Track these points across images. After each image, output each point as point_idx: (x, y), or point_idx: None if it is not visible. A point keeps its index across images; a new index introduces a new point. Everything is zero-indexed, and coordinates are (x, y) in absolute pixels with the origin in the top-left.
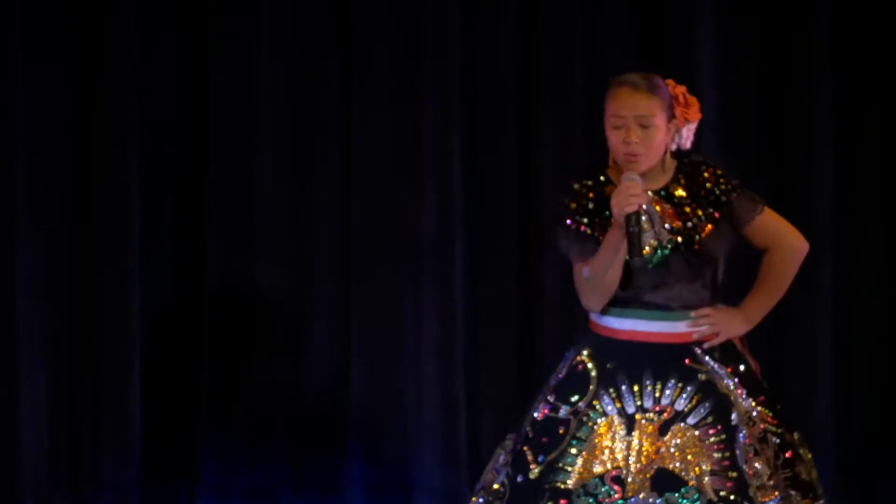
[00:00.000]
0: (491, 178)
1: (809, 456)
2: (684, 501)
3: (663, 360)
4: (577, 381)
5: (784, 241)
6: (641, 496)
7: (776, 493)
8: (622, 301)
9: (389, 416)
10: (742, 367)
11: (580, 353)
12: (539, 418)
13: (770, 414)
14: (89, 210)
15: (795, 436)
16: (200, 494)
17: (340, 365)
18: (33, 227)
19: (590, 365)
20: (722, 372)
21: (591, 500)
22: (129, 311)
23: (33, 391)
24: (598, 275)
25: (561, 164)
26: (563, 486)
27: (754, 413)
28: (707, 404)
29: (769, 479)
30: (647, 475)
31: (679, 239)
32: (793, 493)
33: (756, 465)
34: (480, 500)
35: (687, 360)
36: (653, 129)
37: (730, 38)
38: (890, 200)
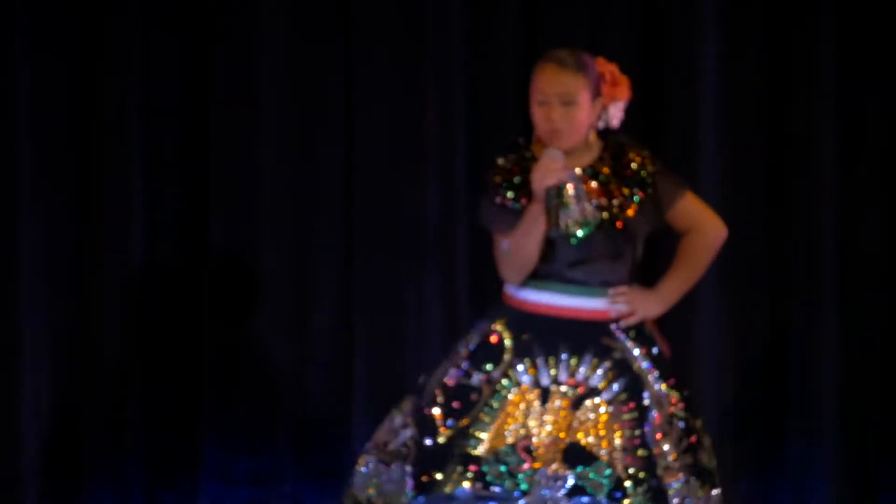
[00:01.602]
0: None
1: (710, 443)
2: (595, 476)
3: (580, 336)
4: (492, 350)
5: (704, 225)
6: (552, 468)
7: (680, 474)
8: (541, 275)
9: (392, 401)
10: (654, 350)
11: (495, 324)
12: (450, 384)
13: (678, 398)
14: (90, 196)
15: (699, 422)
16: (203, 480)
17: (343, 351)
18: (35, 212)
19: (505, 335)
20: (636, 352)
21: (501, 468)
22: (131, 298)
23: (35, 377)
24: (518, 248)
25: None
26: (473, 452)
27: (663, 395)
28: (621, 382)
29: (674, 460)
30: (559, 448)
31: (604, 216)
32: (692, 479)
33: (664, 446)
34: (371, 458)
35: (604, 338)
36: (576, 107)
37: (731, 35)
38: (890, 195)
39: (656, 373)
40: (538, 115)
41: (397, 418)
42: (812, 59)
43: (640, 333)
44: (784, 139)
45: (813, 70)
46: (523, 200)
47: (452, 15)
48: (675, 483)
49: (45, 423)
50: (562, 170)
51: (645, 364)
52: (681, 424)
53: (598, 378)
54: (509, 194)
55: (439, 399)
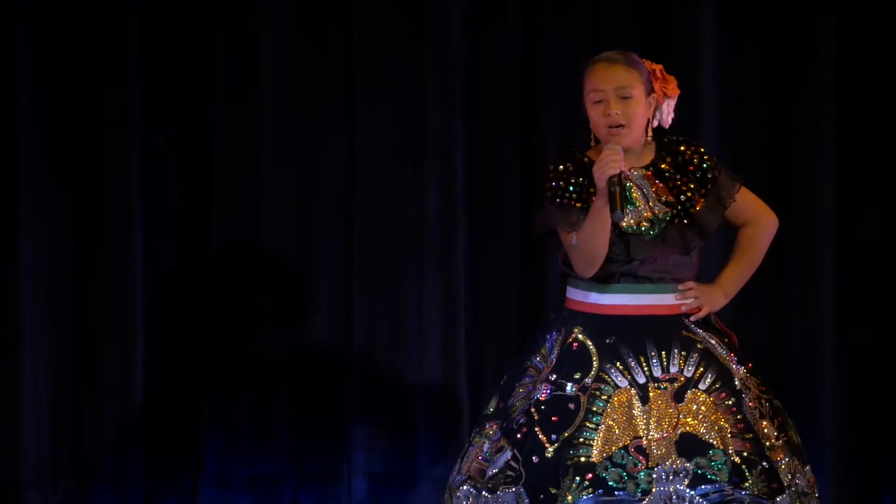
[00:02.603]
0: (493, 167)
1: (791, 421)
2: (714, 464)
3: (661, 332)
4: (577, 358)
5: (761, 217)
6: (668, 463)
7: (783, 452)
8: (611, 276)
9: (392, 406)
10: (725, 339)
11: (571, 333)
12: (543, 399)
13: (758, 380)
14: (90, 195)
15: (778, 402)
16: (203, 484)
17: (343, 355)
18: (34, 212)
19: (587, 341)
20: (714, 342)
21: (619, 472)
22: (131, 300)
23: (36, 379)
24: (586, 241)
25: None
26: (586, 460)
27: (747, 379)
28: (712, 370)
29: (776, 439)
30: (672, 441)
31: (674, 211)
32: (792, 456)
33: (763, 426)
34: (468, 489)
35: (683, 331)
36: (633, 101)
37: (731, 33)
38: (891, 195)
39: (735, 358)
40: (596, 113)
41: (486, 445)
42: (812, 58)
43: (709, 324)
44: (784, 138)
45: (813, 69)
46: (591, 200)
47: (453, 15)
48: (782, 461)
49: (45, 428)
50: (621, 160)
51: (724, 352)
52: (768, 405)
53: (690, 369)
54: (573, 194)
55: (536, 416)
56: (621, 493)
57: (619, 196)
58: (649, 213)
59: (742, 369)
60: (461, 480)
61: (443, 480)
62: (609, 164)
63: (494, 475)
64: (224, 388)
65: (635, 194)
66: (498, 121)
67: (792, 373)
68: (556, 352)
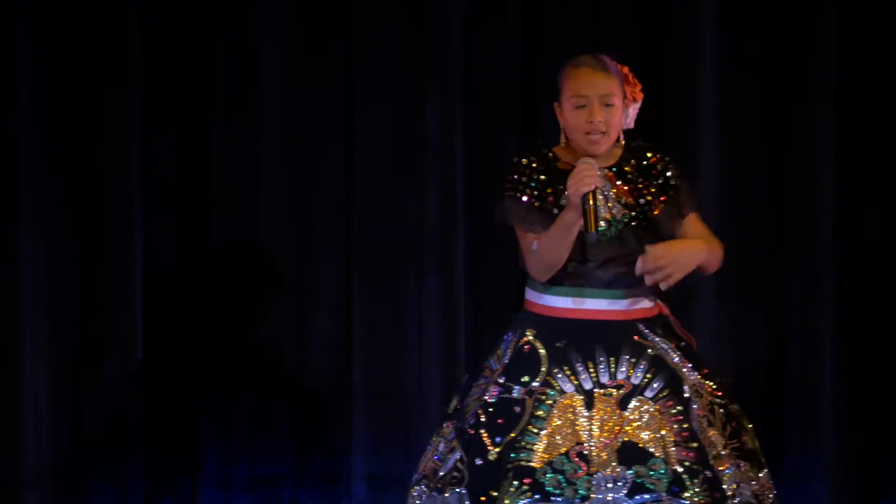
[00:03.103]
0: (492, 168)
1: (751, 426)
2: (653, 473)
3: (612, 337)
4: (526, 361)
5: (712, 239)
6: (608, 471)
7: (730, 462)
8: (568, 279)
9: (392, 407)
10: (682, 343)
11: (524, 335)
12: (490, 400)
13: (714, 386)
14: (90, 194)
15: (736, 407)
16: (203, 485)
17: (343, 357)
18: (35, 214)
19: (537, 344)
20: (667, 346)
21: (559, 478)
22: (131, 301)
23: (36, 381)
24: (549, 250)
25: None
26: (526, 465)
27: (700, 386)
28: (660, 378)
29: (722, 448)
30: (613, 449)
31: (632, 213)
32: (742, 463)
33: (710, 435)
34: (422, 487)
35: (635, 337)
36: (614, 109)
37: (731, 34)
38: (890, 195)
39: (689, 364)
40: (577, 118)
41: (441, 444)
42: (812, 59)
43: (666, 329)
44: (784, 140)
45: (813, 69)
46: (549, 200)
47: (453, 15)
48: (727, 470)
49: (45, 430)
50: (597, 176)
51: (677, 358)
52: (721, 411)
53: (638, 376)
54: (535, 193)
55: (483, 418)
56: (558, 499)
57: (592, 214)
58: (607, 214)
59: (695, 375)
60: (416, 479)
61: None
62: (584, 179)
63: (444, 476)
64: (224, 388)
65: (600, 199)
66: (498, 121)
67: (792, 373)
68: (509, 353)
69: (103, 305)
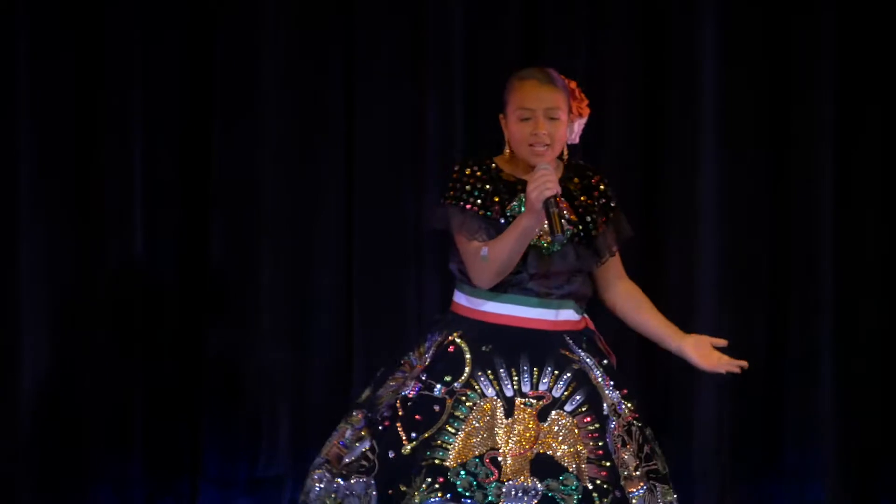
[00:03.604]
0: None
1: (660, 451)
2: (564, 488)
3: (539, 347)
4: (450, 361)
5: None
6: (520, 480)
7: (642, 483)
8: (501, 286)
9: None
10: (605, 361)
11: (451, 335)
12: (411, 396)
13: (632, 407)
14: (90, 196)
15: (650, 431)
16: (203, 486)
17: (343, 356)
18: (35, 220)
19: (463, 346)
20: (591, 362)
21: (471, 480)
22: (131, 301)
23: (35, 381)
24: (501, 256)
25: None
26: (440, 463)
27: (620, 405)
28: (581, 393)
29: (635, 469)
30: (527, 459)
31: (576, 230)
32: (658, 486)
33: (623, 455)
34: (324, 474)
35: (561, 350)
36: (559, 122)
37: (730, 35)
38: (890, 195)
39: (611, 383)
40: (521, 130)
41: (348, 431)
42: (812, 63)
43: (591, 345)
44: (783, 143)
45: (813, 71)
46: (496, 209)
47: (453, 15)
48: (637, 492)
49: (45, 429)
50: (556, 180)
51: (599, 375)
52: (639, 433)
53: (560, 389)
54: (479, 202)
55: (400, 412)
56: (468, 500)
57: (557, 217)
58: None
59: (615, 395)
60: (318, 463)
61: None
62: (546, 184)
63: (350, 463)
64: (224, 388)
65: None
66: (498, 121)
67: (792, 373)
68: (432, 351)
69: (103, 304)
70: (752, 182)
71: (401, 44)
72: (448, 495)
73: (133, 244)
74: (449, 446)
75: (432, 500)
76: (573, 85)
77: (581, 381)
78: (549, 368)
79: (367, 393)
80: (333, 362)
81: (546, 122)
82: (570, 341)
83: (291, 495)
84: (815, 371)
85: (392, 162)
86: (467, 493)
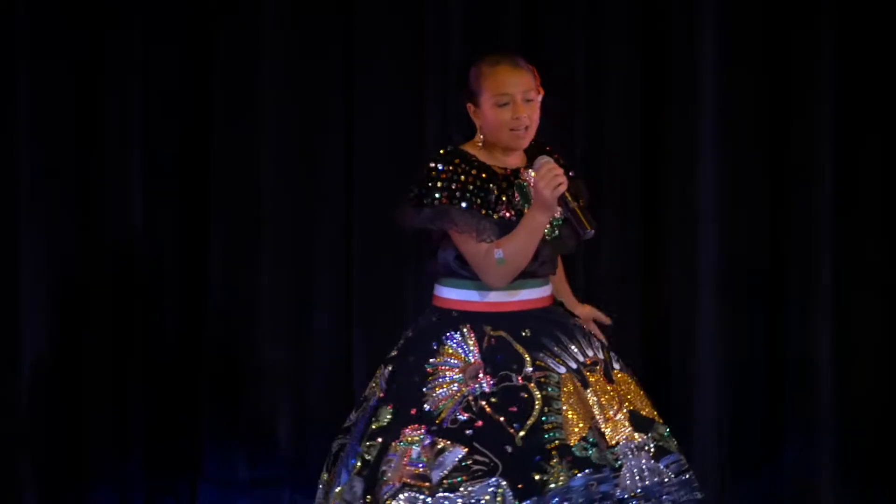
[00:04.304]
0: None
1: None
2: (662, 435)
3: (559, 321)
4: (503, 352)
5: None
6: (628, 438)
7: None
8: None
9: None
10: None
11: (482, 331)
12: (490, 391)
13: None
14: (90, 197)
15: None
16: (202, 487)
17: (342, 357)
18: (35, 219)
19: (507, 336)
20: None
21: (597, 451)
22: (131, 302)
23: (36, 381)
24: (518, 255)
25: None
26: (561, 443)
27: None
28: (611, 352)
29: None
30: (624, 419)
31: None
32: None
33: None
34: (410, 495)
35: (573, 319)
36: (534, 104)
37: (731, 37)
38: (889, 197)
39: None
40: (500, 116)
41: (413, 450)
42: (811, 68)
43: (563, 307)
44: (783, 144)
45: (813, 75)
46: (503, 209)
47: (452, 18)
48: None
49: (45, 429)
50: (563, 174)
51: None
52: None
53: (598, 352)
54: (478, 201)
55: (488, 409)
56: (606, 469)
57: (580, 212)
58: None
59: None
60: (393, 491)
61: None
62: (556, 178)
63: (450, 474)
64: (224, 389)
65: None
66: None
67: (792, 372)
68: (473, 349)
69: (103, 304)
70: (752, 183)
71: (400, 44)
72: (587, 469)
73: (133, 244)
74: (560, 425)
75: (577, 477)
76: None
77: (601, 343)
78: (580, 338)
79: (388, 412)
80: (333, 362)
81: (524, 106)
82: (563, 311)
83: (290, 497)
84: (815, 369)
85: (391, 162)
86: (602, 462)
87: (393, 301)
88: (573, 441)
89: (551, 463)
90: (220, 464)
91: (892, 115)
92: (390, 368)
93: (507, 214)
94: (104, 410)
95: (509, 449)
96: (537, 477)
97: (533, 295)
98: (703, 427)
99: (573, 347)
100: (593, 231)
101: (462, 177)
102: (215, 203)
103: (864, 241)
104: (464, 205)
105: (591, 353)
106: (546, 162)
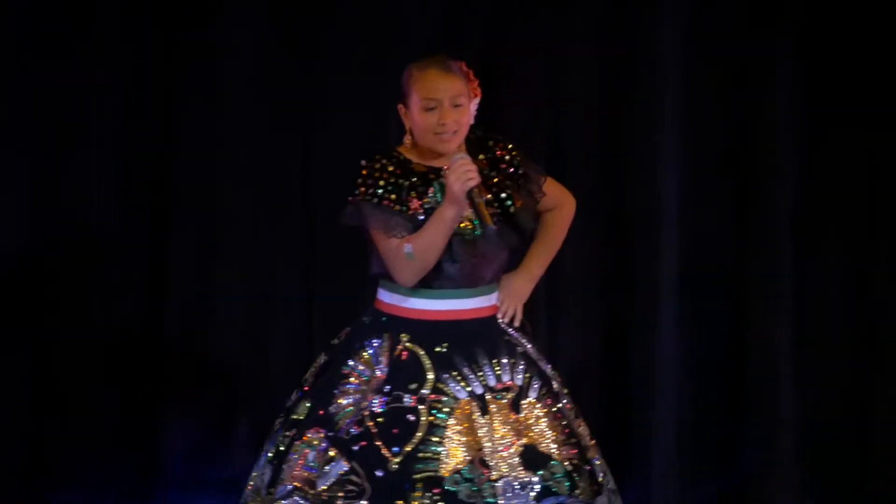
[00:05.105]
0: None
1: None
2: (555, 476)
3: (487, 337)
4: (409, 368)
5: (564, 201)
6: (513, 475)
7: (596, 452)
8: (431, 281)
9: None
10: (529, 336)
11: (397, 340)
12: (378, 410)
13: (558, 375)
14: (50, 209)
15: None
16: (161, 487)
17: (304, 356)
18: None
19: (418, 350)
20: (525, 341)
21: (469, 485)
22: (90, 303)
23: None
24: (427, 251)
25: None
26: (434, 474)
27: (558, 380)
28: (537, 378)
29: (590, 438)
30: (515, 454)
31: (493, 211)
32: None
33: (579, 428)
34: (296, 499)
35: (505, 336)
36: (462, 109)
37: (693, 37)
38: (853, 195)
39: (543, 358)
40: (426, 120)
41: (310, 454)
42: (775, 62)
43: (512, 321)
44: (746, 142)
45: (776, 72)
46: (413, 204)
47: (413, 30)
48: (595, 460)
49: (6, 431)
50: (476, 169)
51: (536, 354)
52: (572, 404)
53: (519, 377)
54: (393, 197)
55: (374, 429)
56: None
57: (484, 208)
58: (471, 214)
59: (550, 369)
60: (287, 491)
61: None
62: (467, 173)
63: (330, 487)
64: (185, 389)
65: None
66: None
67: (753, 374)
68: (383, 360)
69: (61, 302)
70: (713, 183)
71: (366, 55)
72: None
73: (93, 241)
74: (438, 456)
75: None
76: (464, 66)
77: (531, 364)
78: (505, 358)
79: (305, 407)
80: (293, 364)
81: (451, 111)
82: (504, 324)
83: None
84: (776, 371)
85: (354, 163)
86: (470, 500)
87: (355, 299)
88: (446, 473)
89: (415, 494)
90: (182, 464)
91: (854, 114)
92: (325, 359)
93: (416, 209)
94: (65, 411)
95: (380, 473)
96: None
97: (466, 305)
98: (663, 428)
99: (487, 369)
100: (493, 227)
101: (378, 173)
102: (177, 199)
103: (824, 240)
104: (377, 200)
105: (506, 379)
106: (460, 157)
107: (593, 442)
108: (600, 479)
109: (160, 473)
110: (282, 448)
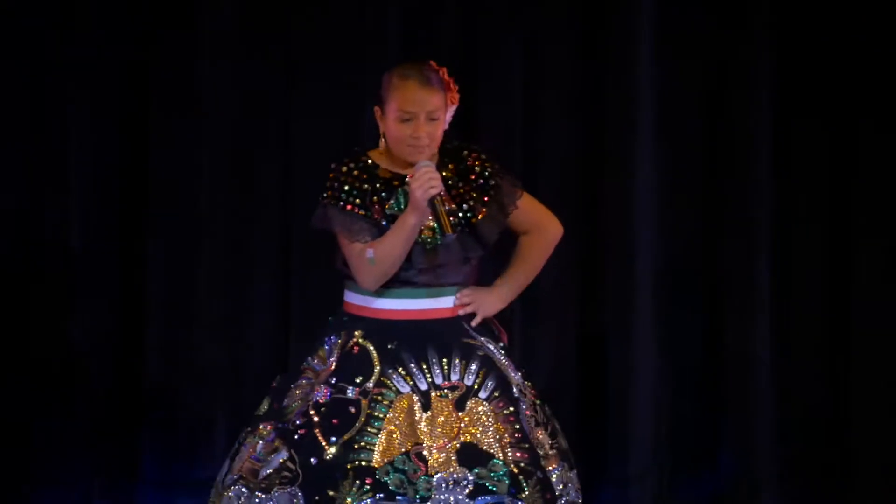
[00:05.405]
0: None
1: (559, 426)
2: (493, 474)
3: (442, 337)
4: (358, 362)
5: (543, 225)
6: (449, 471)
7: (556, 462)
8: (392, 283)
9: None
10: (501, 343)
11: (352, 336)
12: (322, 401)
13: (531, 386)
14: (30, 215)
15: (548, 408)
16: (141, 488)
17: (280, 358)
18: None
19: (368, 346)
20: (492, 347)
21: (400, 477)
22: (68, 305)
23: None
24: (388, 256)
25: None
26: (367, 465)
27: (523, 386)
28: (492, 378)
29: (550, 448)
30: (453, 450)
31: (458, 219)
32: (563, 463)
33: (538, 435)
34: (240, 488)
35: (464, 338)
36: (438, 122)
37: (669, 44)
38: (828, 193)
39: (512, 364)
40: (401, 130)
41: (259, 445)
42: (749, 60)
43: (486, 328)
44: (720, 144)
45: (750, 71)
46: (375, 208)
47: (391, 30)
48: (555, 469)
49: None
50: (439, 178)
51: (502, 357)
52: (542, 412)
53: (471, 377)
54: (357, 202)
55: (316, 418)
56: (402, 498)
57: (445, 216)
58: (431, 222)
59: (518, 376)
60: (232, 480)
61: None
62: (430, 181)
63: (269, 475)
64: (163, 390)
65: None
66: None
67: (729, 374)
68: (335, 354)
69: (39, 305)
70: (689, 182)
71: (340, 56)
72: (380, 495)
73: (68, 244)
74: (372, 447)
75: (366, 501)
76: (445, 74)
77: (489, 366)
78: (458, 358)
79: (266, 404)
80: (270, 364)
81: (426, 124)
82: (468, 327)
83: None
84: (753, 370)
85: (329, 163)
86: (399, 491)
87: (332, 302)
88: (378, 464)
89: (345, 483)
90: (159, 465)
91: (828, 116)
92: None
93: (379, 215)
94: (43, 412)
95: (314, 461)
96: (331, 493)
97: (422, 305)
98: (641, 426)
99: (436, 367)
100: (452, 235)
101: (344, 177)
102: (154, 203)
103: (801, 239)
104: (341, 204)
105: (454, 378)
106: (424, 165)
107: (553, 452)
108: (557, 491)
109: (139, 474)
110: (238, 443)
